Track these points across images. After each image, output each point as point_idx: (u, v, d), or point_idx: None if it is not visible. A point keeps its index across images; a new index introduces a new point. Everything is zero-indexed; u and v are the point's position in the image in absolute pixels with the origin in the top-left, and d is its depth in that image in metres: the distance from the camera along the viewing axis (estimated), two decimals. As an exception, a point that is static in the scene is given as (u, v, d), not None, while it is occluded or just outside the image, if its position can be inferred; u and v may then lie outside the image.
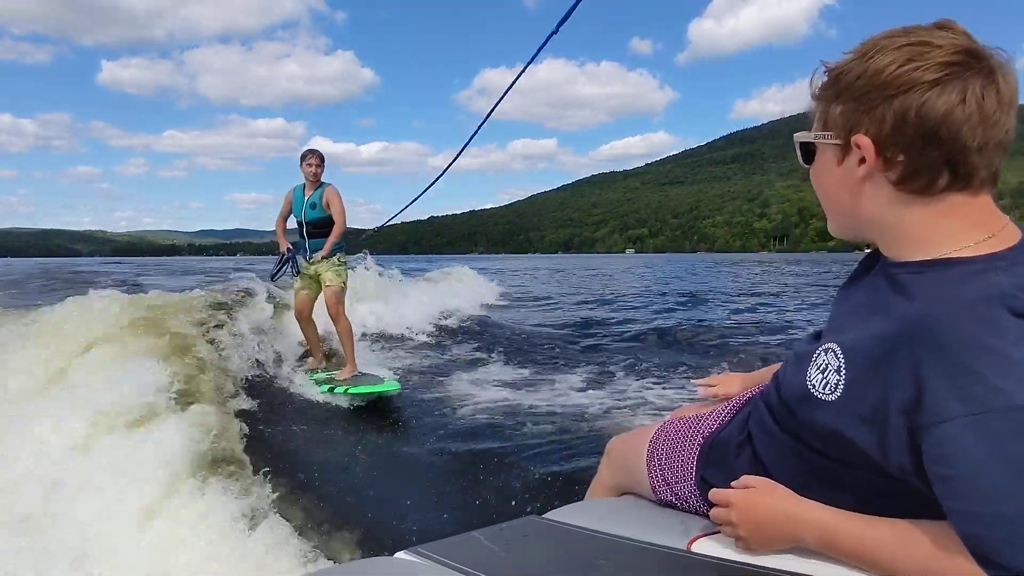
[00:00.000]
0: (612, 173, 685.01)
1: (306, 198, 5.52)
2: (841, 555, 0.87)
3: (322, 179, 5.57)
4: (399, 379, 5.28)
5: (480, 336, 8.90)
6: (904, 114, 0.79)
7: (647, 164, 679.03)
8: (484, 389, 6.06)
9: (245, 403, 4.47)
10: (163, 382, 3.96)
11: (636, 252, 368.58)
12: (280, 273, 5.80)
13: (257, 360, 5.58)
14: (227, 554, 2.71)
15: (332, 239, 5.44)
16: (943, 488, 0.73)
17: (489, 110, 3.01)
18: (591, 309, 13.19)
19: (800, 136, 0.95)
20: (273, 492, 3.24)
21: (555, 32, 2.55)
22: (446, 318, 9.43)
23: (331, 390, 5.06)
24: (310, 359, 6.00)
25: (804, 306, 13.29)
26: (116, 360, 4.27)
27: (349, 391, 4.98)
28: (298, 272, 5.65)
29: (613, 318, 11.38)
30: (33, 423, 3.60)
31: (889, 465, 0.80)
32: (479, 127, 2.95)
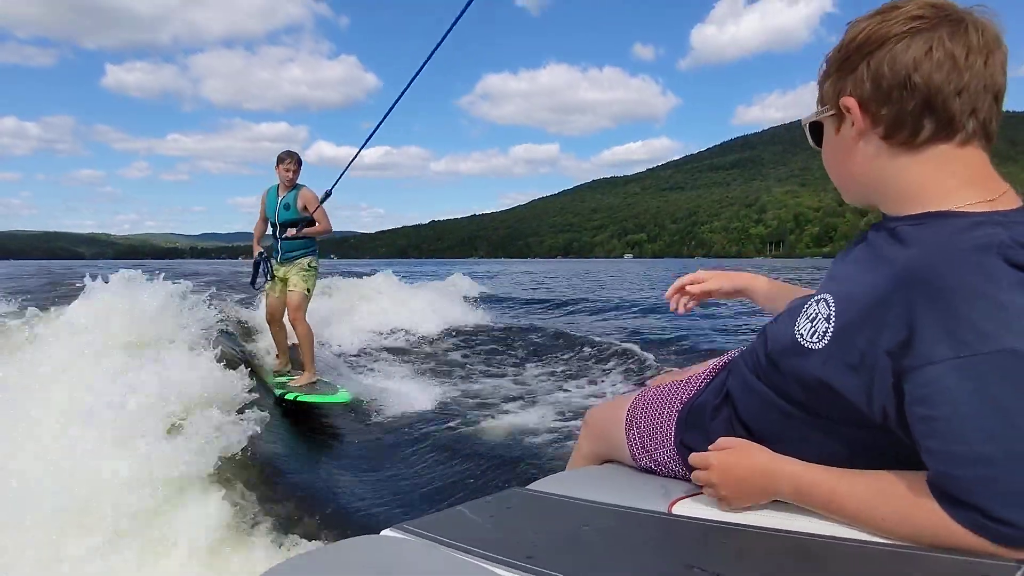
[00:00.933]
0: (613, 178, 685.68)
1: (280, 199, 5.47)
2: (815, 506, 0.89)
3: (297, 182, 5.52)
4: (350, 391, 5.12)
5: (458, 335, 9.09)
6: (879, 68, 0.84)
7: (648, 170, 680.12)
8: (459, 381, 6.32)
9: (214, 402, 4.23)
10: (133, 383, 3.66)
11: (634, 257, 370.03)
12: (256, 277, 5.69)
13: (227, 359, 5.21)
14: (206, 541, 2.70)
15: (314, 230, 5.42)
16: (923, 428, 0.74)
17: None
18: (570, 311, 13.48)
19: (805, 119, 1.00)
20: (252, 481, 3.24)
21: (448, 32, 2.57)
22: (422, 325, 9.39)
23: (283, 396, 5.02)
24: (276, 361, 5.96)
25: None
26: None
27: (299, 399, 4.96)
28: (271, 276, 5.58)
29: (590, 318, 11.70)
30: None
31: (872, 411, 0.81)
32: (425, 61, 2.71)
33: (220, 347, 4.25)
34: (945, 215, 0.82)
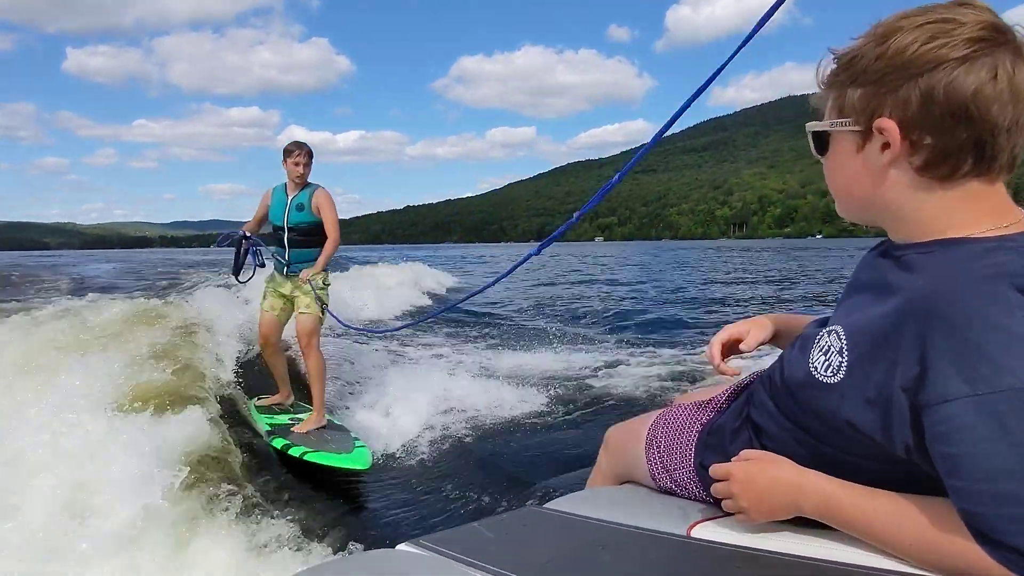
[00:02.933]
0: (588, 162, 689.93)
1: (290, 198, 4.59)
2: (839, 524, 0.87)
3: (308, 179, 4.65)
4: (368, 446, 4.10)
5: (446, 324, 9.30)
6: (931, 93, 0.76)
7: (622, 152, 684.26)
8: (466, 382, 5.90)
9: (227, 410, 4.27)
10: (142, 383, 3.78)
11: (605, 240, 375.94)
12: (242, 266, 4.74)
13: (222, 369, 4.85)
14: (227, 552, 2.71)
15: (327, 252, 4.55)
16: (945, 466, 0.72)
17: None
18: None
19: (813, 126, 0.91)
20: (271, 491, 3.27)
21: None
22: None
23: (285, 448, 4.00)
24: (275, 395, 4.92)
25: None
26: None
27: (306, 457, 3.87)
28: (262, 264, 4.72)
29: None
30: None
31: (893, 445, 0.78)
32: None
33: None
34: (956, 242, 0.80)
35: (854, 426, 0.82)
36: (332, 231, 4.59)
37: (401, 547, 1.00)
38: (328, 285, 4.67)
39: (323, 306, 4.54)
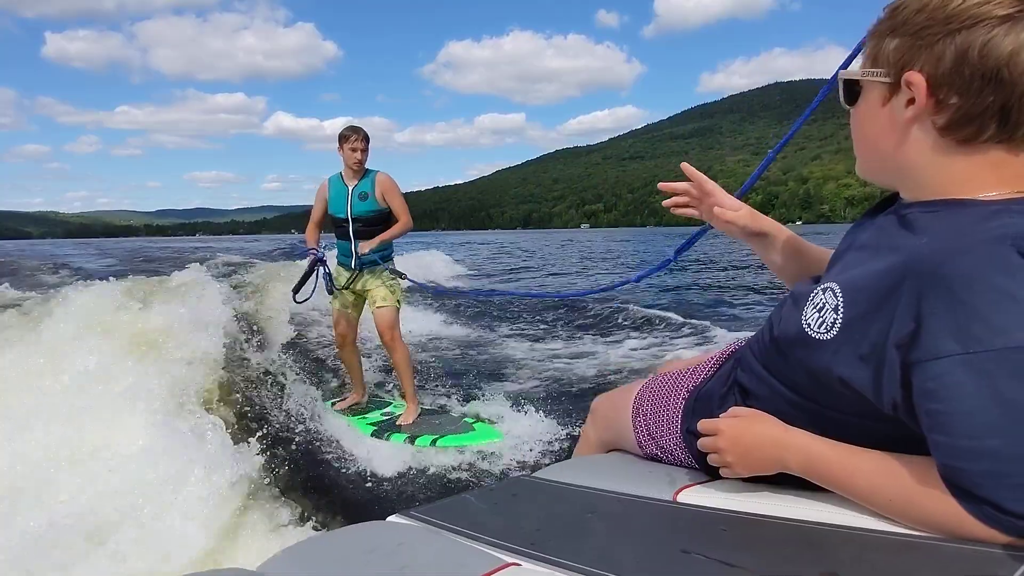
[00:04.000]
0: (576, 148, 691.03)
1: (351, 188, 4.31)
2: (822, 480, 0.89)
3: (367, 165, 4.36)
4: (495, 426, 4.15)
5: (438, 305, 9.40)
6: (966, 51, 0.75)
7: (610, 139, 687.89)
8: (457, 357, 6.33)
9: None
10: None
11: (591, 227, 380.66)
12: (304, 286, 4.44)
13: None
14: (217, 524, 2.70)
15: (393, 232, 4.31)
16: (930, 421, 0.73)
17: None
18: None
19: (845, 73, 0.90)
20: (263, 464, 3.22)
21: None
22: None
23: (411, 440, 4.02)
24: (349, 396, 4.84)
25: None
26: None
27: (438, 443, 3.90)
28: (332, 288, 4.44)
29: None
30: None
31: (882, 403, 0.79)
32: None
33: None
34: (962, 203, 0.79)
35: (846, 383, 0.83)
36: (402, 215, 4.39)
37: (392, 519, 1.02)
38: (397, 276, 4.43)
39: (401, 290, 4.44)
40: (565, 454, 2.01)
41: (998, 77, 0.74)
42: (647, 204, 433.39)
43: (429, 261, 16.34)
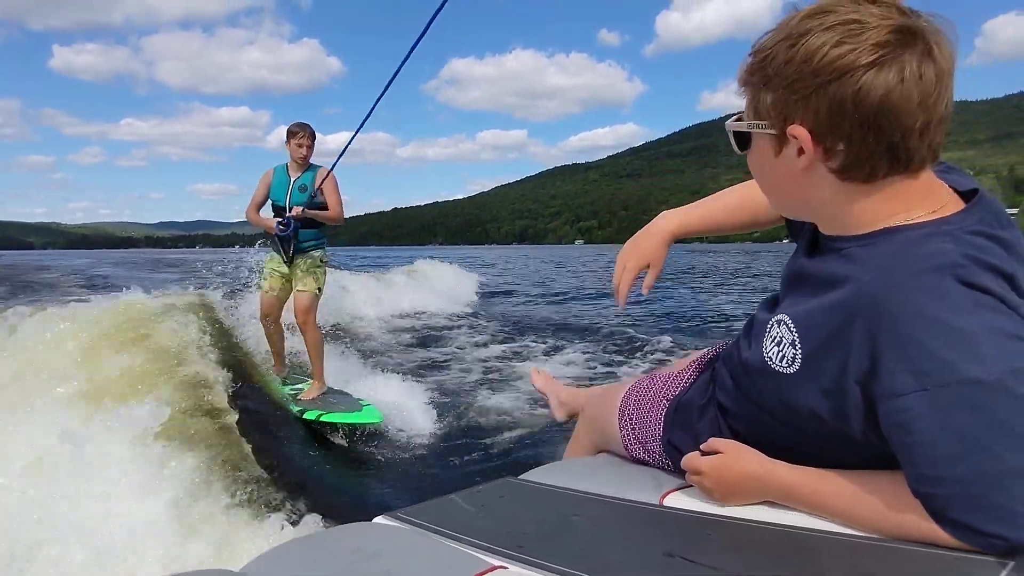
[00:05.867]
0: (575, 165, 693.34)
1: (293, 180, 4.60)
2: (804, 507, 0.92)
3: (311, 161, 4.67)
4: (374, 404, 4.42)
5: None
6: (842, 102, 0.76)
7: (608, 156, 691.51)
8: (448, 365, 6.44)
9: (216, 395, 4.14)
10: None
11: (585, 243, 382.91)
12: (294, 252, 4.67)
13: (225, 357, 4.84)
14: (198, 526, 2.68)
15: (320, 214, 4.59)
16: (901, 453, 0.76)
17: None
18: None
19: (732, 125, 0.90)
20: (246, 470, 3.20)
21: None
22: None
23: (300, 413, 4.37)
24: (273, 367, 5.16)
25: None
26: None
27: (323, 418, 4.23)
28: (280, 249, 4.70)
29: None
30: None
31: (852, 431, 0.82)
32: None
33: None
34: (892, 231, 0.81)
35: (812, 412, 0.85)
36: (335, 208, 4.66)
37: (378, 520, 1.01)
38: (324, 263, 4.77)
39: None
40: (553, 456, 2.03)
41: (876, 123, 0.76)
42: (640, 222, 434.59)
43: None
